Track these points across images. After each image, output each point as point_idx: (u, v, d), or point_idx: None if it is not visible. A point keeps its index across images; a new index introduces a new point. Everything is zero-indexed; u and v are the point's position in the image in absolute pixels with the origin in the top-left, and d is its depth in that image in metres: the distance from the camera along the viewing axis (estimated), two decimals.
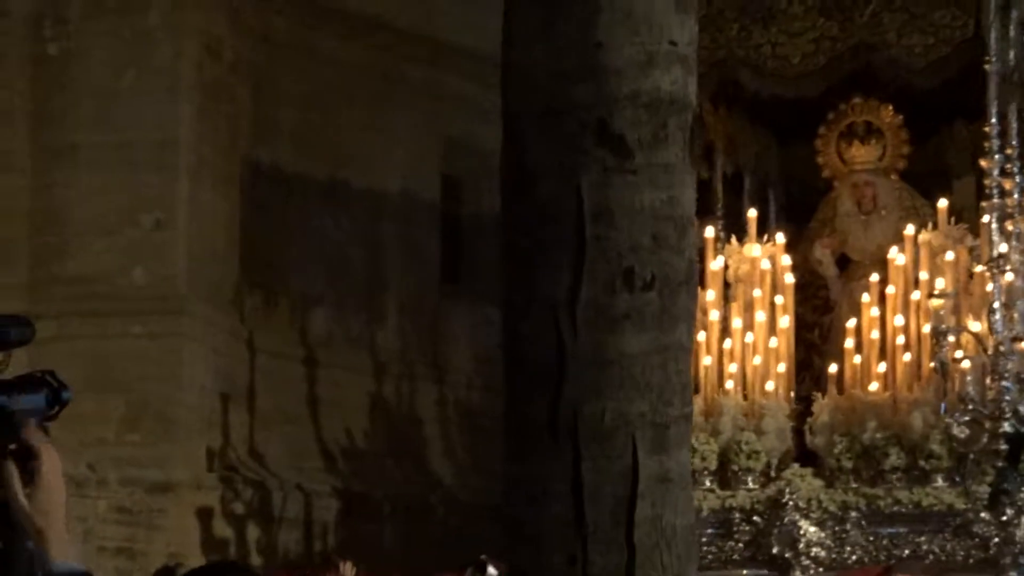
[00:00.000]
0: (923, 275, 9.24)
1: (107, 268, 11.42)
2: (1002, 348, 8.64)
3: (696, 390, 8.85)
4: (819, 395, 9.54)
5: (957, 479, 8.91)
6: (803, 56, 9.55)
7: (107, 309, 11.34)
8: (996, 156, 8.86)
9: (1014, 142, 8.95)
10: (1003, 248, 8.79)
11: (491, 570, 7.36)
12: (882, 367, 9.31)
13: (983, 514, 8.59)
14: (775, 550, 8.94)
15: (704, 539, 8.72)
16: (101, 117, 11.58)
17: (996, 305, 8.65)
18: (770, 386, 9.47)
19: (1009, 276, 8.75)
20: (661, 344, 2.07)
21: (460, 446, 12.92)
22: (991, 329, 8.72)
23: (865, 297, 9.50)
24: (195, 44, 11.84)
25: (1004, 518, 8.46)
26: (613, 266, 2.06)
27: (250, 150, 12.51)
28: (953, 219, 9.45)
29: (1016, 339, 8.67)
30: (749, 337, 9.58)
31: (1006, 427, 8.52)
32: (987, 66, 8.82)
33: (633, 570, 1.99)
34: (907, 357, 9.23)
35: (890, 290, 9.37)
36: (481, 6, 9.90)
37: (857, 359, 9.38)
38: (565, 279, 2.04)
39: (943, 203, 9.46)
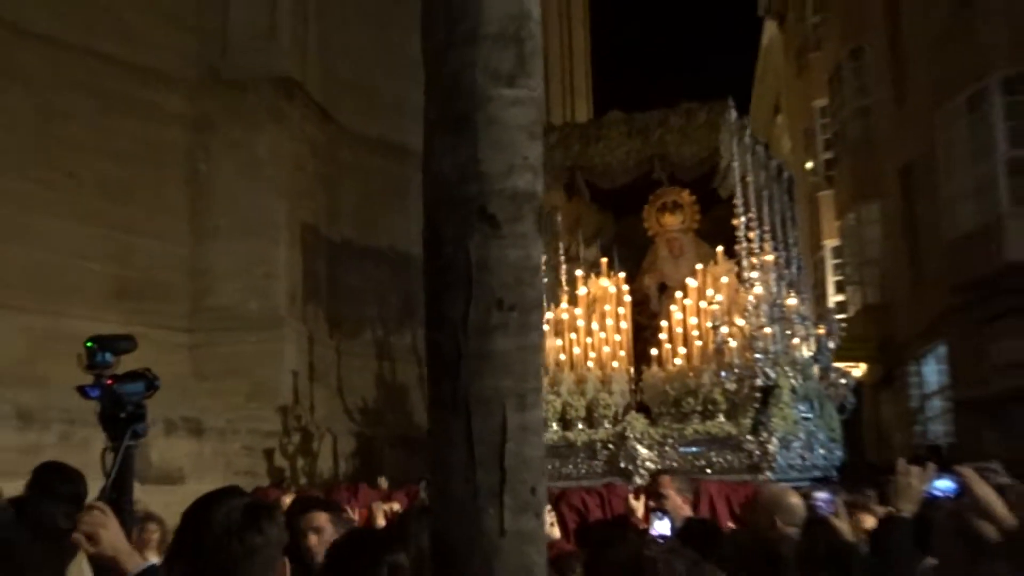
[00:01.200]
0: (709, 292, 9.99)
1: (235, 301, 12.69)
2: (755, 333, 9.38)
3: (572, 368, 10.18)
4: (646, 368, 10.11)
5: (731, 415, 9.38)
6: (619, 162, 10.23)
7: (236, 326, 12.50)
8: (743, 218, 9.67)
9: (753, 209, 9.79)
10: (753, 274, 9.70)
11: None
12: (682, 350, 9.86)
13: (748, 436, 9.17)
14: (622, 465, 9.46)
15: (578, 459, 9.71)
16: (231, 208, 12.74)
17: (750, 308, 9.51)
18: (616, 364, 10.15)
19: (757, 289, 9.60)
20: (520, 345, 2.19)
21: None
22: (747, 322, 9.49)
23: (674, 308, 10.13)
24: (289, 163, 13.14)
25: (761, 439, 9.10)
26: (489, 297, 2.15)
27: (324, 228, 13.93)
28: (725, 257, 10.26)
29: (761, 327, 9.42)
30: (603, 334, 10.26)
31: (758, 382, 9.27)
32: (733, 163, 9.68)
33: (504, 483, 2.13)
34: (699, 343, 9.82)
35: (688, 302, 10.06)
36: None
37: (668, 346, 9.98)
38: (460, 306, 2.15)
39: (720, 248, 10.32)
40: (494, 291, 2.21)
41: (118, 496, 2.55)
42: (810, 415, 9.95)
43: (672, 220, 11.09)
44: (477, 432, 2.20)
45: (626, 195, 10.90)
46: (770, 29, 32.77)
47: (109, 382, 2.57)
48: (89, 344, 2.64)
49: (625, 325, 10.49)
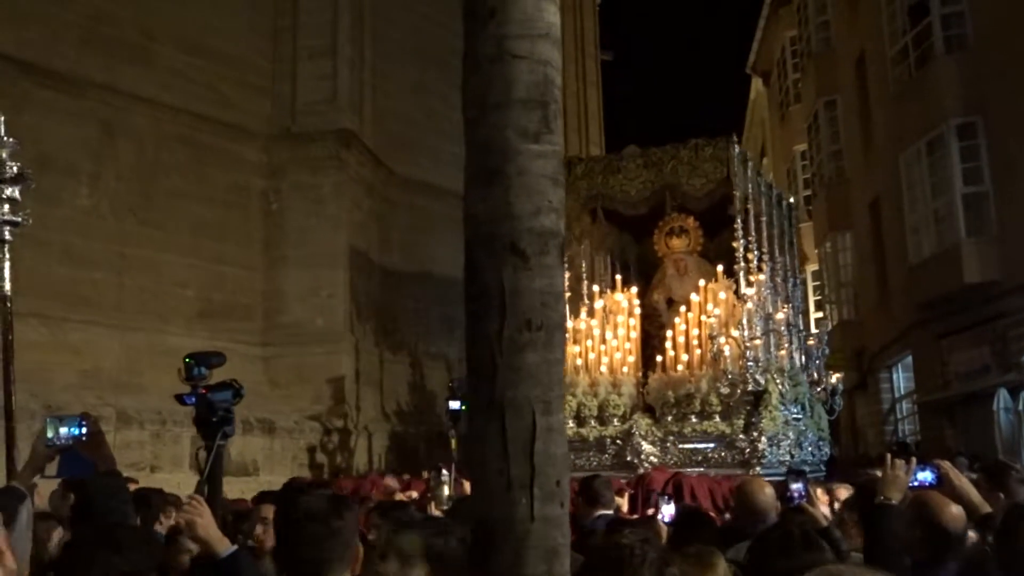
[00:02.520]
0: (709, 306, 9.68)
1: (303, 319, 12.97)
2: (747, 344, 9.10)
3: (587, 371, 9.95)
4: (652, 373, 9.91)
5: (725, 416, 9.18)
6: (636, 191, 10.06)
7: (304, 340, 12.74)
8: (742, 241, 9.43)
9: (753, 234, 9.57)
10: (749, 291, 9.42)
11: (444, 472, 6.80)
12: (684, 357, 9.61)
13: (741, 435, 8.96)
14: (628, 459, 9.26)
15: (590, 453, 9.48)
16: (300, 240, 13.10)
17: (744, 321, 9.21)
18: (625, 369, 9.98)
19: (749, 305, 9.30)
20: (546, 359, 2.17)
21: None
22: (740, 333, 9.20)
23: (677, 320, 9.94)
24: (348, 202, 13.42)
25: (752, 437, 8.91)
26: (520, 318, 2.15)
27: (376, 256, 14.13)
28: (724, 276, 10.06)
29: (753, 338, 9.16)
30: (615, 343, 10.06)
31: (750, 387, 9.03)
32: (735, 192, 9.45)
33: (534, 477, 2.11)
34: (699, 352, 9.60)
35: (690, 315, 9.84)
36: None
37: (671, 353, 9.73)
38: (495, 326, 2.14)
39: (720, 268, 10.10)
40: (524, 314, 2.22)
41: (210, 489, 2.57)
42: (800, 416, 9.72)
43: (678, 243, 10.94)
44: (510, 433, 2.20)
45: (644, 220, 10.84)
46: (756, 84, 32.80)
47: (203, 391, 2.62)
48: (187, 360, 2.71)
49: (635, 335, 10.32)
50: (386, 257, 14.46)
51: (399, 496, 7.16)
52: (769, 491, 4.21)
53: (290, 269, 13.18)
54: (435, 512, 5.51)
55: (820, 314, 23.52)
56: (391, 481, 8.66)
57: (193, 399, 2.64)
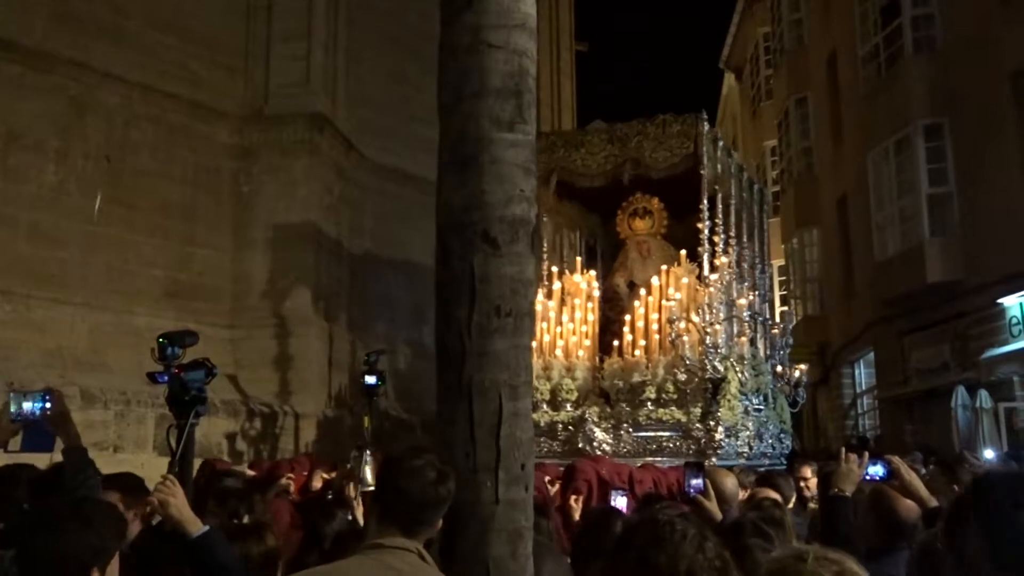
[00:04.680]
0: (670, 291, 9.35)
1: (272, 301, 12.74)
2: (707, 330, 8.80)
3: (540, 354, 9.52)
4: (608, 359, 9.59)
5: (682, 404, 8.90)
6: (597, 165, 9.65)
7: (273, 323, 12.57)
8: (707, 222, 9.10)
9: (720, 216, 9.32)
10: (712, 276, 9.13)
11: (367, 453, 6.45)
12: (643, 342, 9.35)
13: (697, 424, 8.68)
14: (580, 445, 8.93)
15: (540, 440, 8.93)
16: (269, 223, 12.88)
17: (705, 305, 8.96)
18: (581, 353, 9.67)
19: (711, 289, 9.04)
20: (514, 344, 2.18)
21: None
22: (701, 319, 8.89)
23: (636, 303, 9.61)
24: (320, 186, 13.21)
25: (708, 427, 8.64)
26: (490, 305, 2.14)
27: (347, 242, 13.98)
28: (688, 260, 9.71)
29: (712, 324, 8.86)
30: (571, 325, 9.79)
31: (708, 375, 8.69)
32: (701, 169, 9.06)
33: (499, 460, 2.12)
34: (657, 337, 9.33)
35: (651, 299, 9.53)
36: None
37: (629, 338, 9.43)
38: (465, 311, 2.13)
39: (683, 252, 9.77)
40: (493, 300, 2.27)
41: (182, 468, 2.58)
42: (762, 407, 9.51)
43: (641, 225, 10.64)
44: (477, 416, 2.24)
45: (611, 201, 10.49)
46: (729, 80, 32.99)
47: (176, 371, 2.63)
48: (161, 340, 2.70)
49: (592, 318, 10.01)
50: (356, 242, 14.35)
51: (285, 481, 7.06)
52: (733, 480, 4.25)
53: (259, 252, 13.04)
54: (351, 494, 5.42)
55: (785, 308, 23.79)
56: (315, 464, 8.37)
57: (166, 378, 2.65)
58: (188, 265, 12.40)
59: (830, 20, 20.06)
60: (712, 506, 4.04)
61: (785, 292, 24.21)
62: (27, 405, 2.79)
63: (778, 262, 24.54)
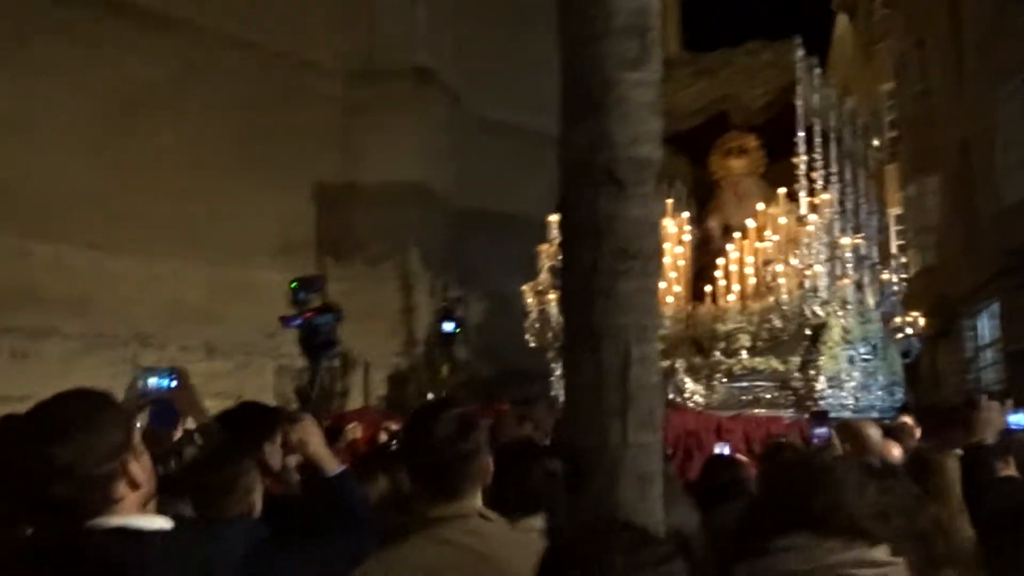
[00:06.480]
0: (767, 233, 8.87)
1: (378, 256, 12.94)
2: (806, 272, 8.37)
3: None
4: (700, 305, 9.22)
5: (779, 353, 8.54)
6: (687, 103, 9.20)
7: (378, 277, 12.61)
8: (804, 158, 8.60)
9: (818, 150, 8.76)
10: (812, 217, 8.60)
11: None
12: (737, 287, 8.90)
13: (796, 373, 8.36)
14: (671, 396, 8.48)
15: None
16: (376, 178, 13.02)
17: (804, 245, 8.49)
18: (670, 299, 9.13)
19: (810, 228, 8.51)
20: (641, 287, 2.13)
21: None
22: (799, 260, 8.45)
23: (730, 247, 9.18)
24: (425, 140, 13.26)
25: (808, 376, 8.34)
26: (616, 247, 2.11)
27: (453, 195, 14.03)
28: (787, 200, 9.03)
29: (809, 266, 8.40)
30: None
31: (808, 319, 8.32)
32: (797, 102, 8.54)
33: (628, 404, 2.10)
34: (753, 281, 8.89)
35: (746, 242, 9.12)
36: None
37: (723, 283, 8.98)
38: (591, 255, 2.12)
39: (782, 190, 9.09)
40: (619, 242, 2.17)
41: (316, 408, 2.64)
42: (871, 357, 9.02)
43: (737, 164, 10.08)
44: (605, 361, 2.16)
45: (701, 140, 9.90)
46: (842, 22, 31.78)
47: (308, 315, 2.68)
48: (293, 284, 2.74)
49: (683, 263, 9.60)
50: (461, 196, 14.38)
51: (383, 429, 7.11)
52: (877, 431, 4.11)
53: (365, 206, 13.25)
54: None
55: (903, 259, 23.04)
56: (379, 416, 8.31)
57: (298, 321, 2.71)
58: (300, 220, 12.70)
59: None
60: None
61: (903, 242, 23.43)
62: (153, 381, 2.88)
63: (894, 211, 23.74)
